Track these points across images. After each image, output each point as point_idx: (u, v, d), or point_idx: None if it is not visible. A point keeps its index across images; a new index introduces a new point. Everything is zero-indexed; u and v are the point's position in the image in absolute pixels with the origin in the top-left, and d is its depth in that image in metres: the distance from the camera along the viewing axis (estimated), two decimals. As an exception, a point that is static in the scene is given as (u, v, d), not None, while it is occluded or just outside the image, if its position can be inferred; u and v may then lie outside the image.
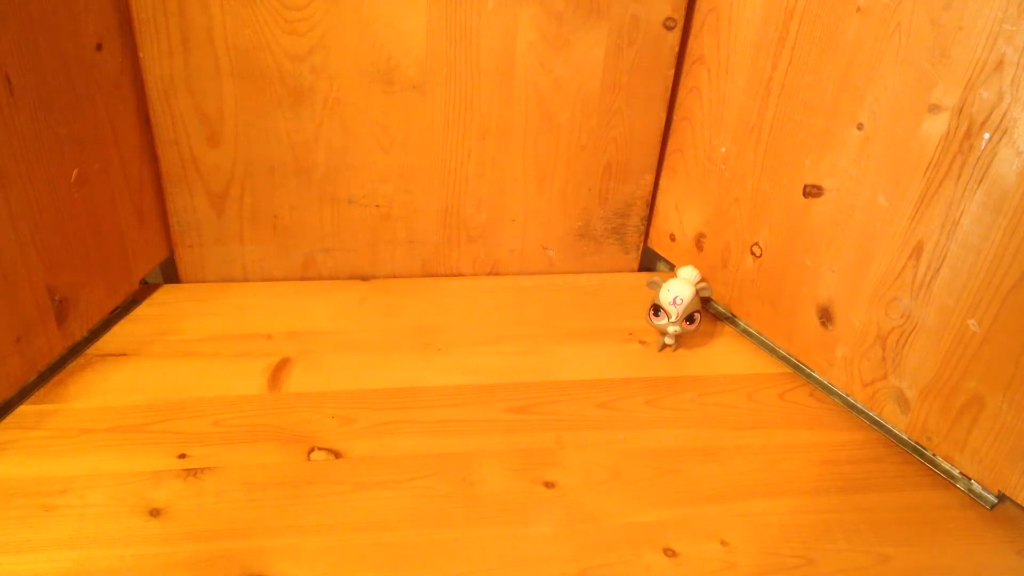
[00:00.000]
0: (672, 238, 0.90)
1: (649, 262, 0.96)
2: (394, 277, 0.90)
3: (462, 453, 0.66)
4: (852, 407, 0.73)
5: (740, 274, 0.82)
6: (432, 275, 0.90)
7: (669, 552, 0.58)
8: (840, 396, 0.74)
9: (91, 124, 0.70)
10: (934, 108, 0.61)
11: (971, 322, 0.61)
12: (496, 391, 0.73)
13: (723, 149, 0.80)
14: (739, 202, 0.79)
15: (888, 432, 0.71)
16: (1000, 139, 0.57)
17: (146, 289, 0.84)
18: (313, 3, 0.73)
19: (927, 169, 0.62)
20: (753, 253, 0.79)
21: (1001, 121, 0.57)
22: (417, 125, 0.81)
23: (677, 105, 0.85)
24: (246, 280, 0.87)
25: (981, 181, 0.59)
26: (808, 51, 0.69)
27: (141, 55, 0.74)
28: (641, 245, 0.93)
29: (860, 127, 0.66)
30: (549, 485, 0.63)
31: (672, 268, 0.93)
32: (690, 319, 0.77)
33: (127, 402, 0.69)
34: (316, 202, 0.83)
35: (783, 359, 0.79)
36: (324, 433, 0.67)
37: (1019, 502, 0.62)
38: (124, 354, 0.75)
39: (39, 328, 0.68)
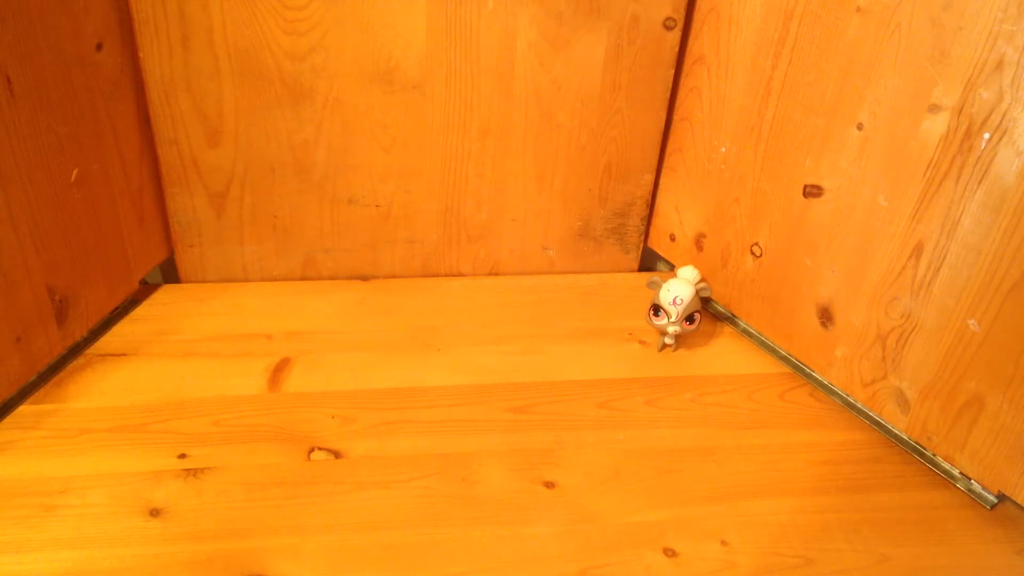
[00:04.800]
0: (672, 238, 0.90)
1: (649, 262, 0.96)
2: (394, 277, 0.90)
3: (462, 453, 0.66)
4: (852, 407, 0.73)
5: (740, 274, 0.82)
6: (432, 275, 0.90)
7: (669, 552, 0.58)
8: (840, 396, 0.74)
9: (91, 124, 0.70)
10: (934, 108, 0.61)
11: (971, 322, 0.61)
12: (496, 391, 0.73)
13: (723, 149, 0.80)
14: (739, 202, 0.79)
15: (888, 432, 0.71)
16: (1000, 139, 0.57)
17: (146, 289, 0.84)
18: (313, 3, 0.73)
19: (927, 169, 0.62)
20: (753, 253, 0.79)
21: (1001, 121, 0.57)
22: (417, 125, 0.81)
23: (677, 105, 0.85)
24: (246, 280, 0.87)
25: (981, 181, 0.59)
26: (808, 51, 0.69)
27: (141, 55, 0.74)
28: (641, 245, 0.93)
29: (860, 127, 0.66)
30: (549, 485, 0.63)
31: (672, 268, 0.93)
32: (690, 319, 0.77)
33: (127, 402, 0.69)
34: (316, 202, 0.84)
35: (783, 359, 0.79)
36: (324, 433, 0.67)
37: (1019, 502, 0.62)
38: (124, 354, 0.75)
39: (39, 328, 0.68)
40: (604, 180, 0.87)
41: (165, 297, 0.83)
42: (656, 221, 0.92)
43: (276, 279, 0.87)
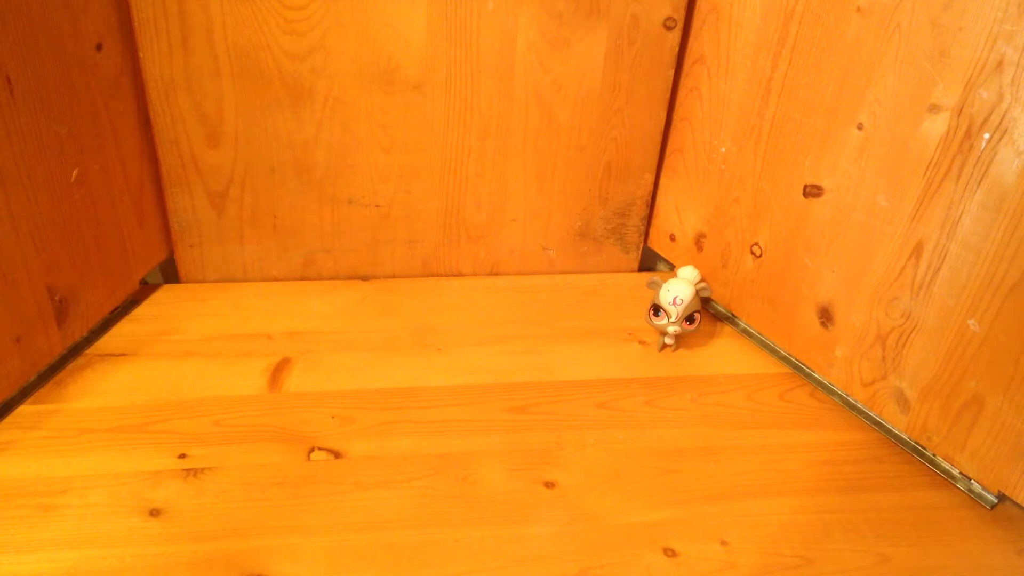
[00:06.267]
0: (672, 238, 0.90)
1: (649, 262, 0.96)
2: (394, 277, 0.90)
3: (462, 453, 0.66)
4: (852, 407, 0.73)
5: (740, 274, 0.82)
6: (432, 275, 0.90)
7: (669, 552, 0.58)
8: (840, 396, 0.74)
9: (91, 124, 0.70)
10: (934, 108, 0.61)
11: (971, 322, 0.61)
12: (496, 391, 0.73)
13: (723, 149, 0.80)
14: (739, 202, 0.79)
15: (888, 432, 0.71)
16: (1000, 139, 0.57)
17: (146, 289, 0.84)
18: (313, 3, 0.73)
19: (927, 169, 0.62)
20: (753, 253, 0.79)
21: (1001, 121, 0.57)
22: (417, 125, 0.81)
23: (677, 105, 0.85)
24: (246, 280, 0.87)
25: (981, 181, 0.59)
26: (808, 51, 0.69)
27: (141, 55, 0.74)
28: (641, 245, 0.93)
29: (860, 127, 0.66)
30: (549, 485, 0.63)
31: (672, 268, 0.93)
32: (690, 319, 0.77)
33: (127, 402, 0.69)
34: (316, 202, 0.84)
35: (783, 359, 0.79)
36: (324, 433, 0.67)
37: (1019, 502, 0.62)
38: (124, 354, 0.75)
39: (39, 328, 0.68)
40: (604, 180, 0.87)
41: (165, 297, 0.83)
42: (656, 221, 0.92)
43: (276, 279, 0.87)
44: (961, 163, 0.60)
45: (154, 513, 0.59)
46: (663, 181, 0.89)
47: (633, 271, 0.95)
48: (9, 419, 0.66)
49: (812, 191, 0.71)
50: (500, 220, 0.88)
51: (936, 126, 0.61)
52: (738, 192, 0.79)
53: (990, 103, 0.57)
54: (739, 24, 0.74)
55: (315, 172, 0.82)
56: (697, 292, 0.76)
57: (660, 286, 0.77)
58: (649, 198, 0.90)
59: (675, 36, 0.80)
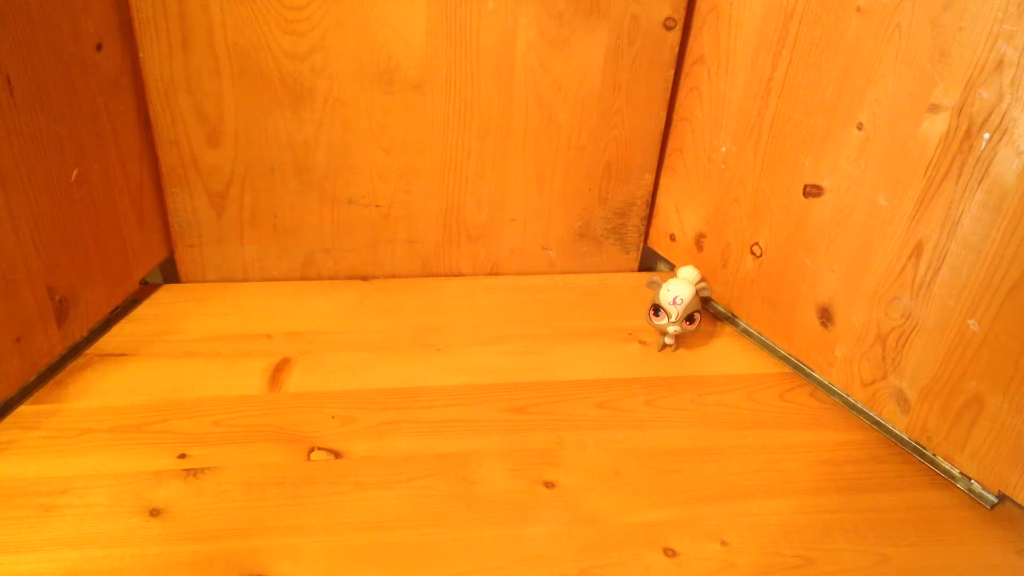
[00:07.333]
0: (672, 238, 0.90)
1: (649, 262, 0.96)
2: (394, 277, 0.90)
3: (462, 453, 0.66)
4: (852, 407, 0.73)
5: (740, 274, 0.82)
6: (432, 275, 0.90)
7: (669, 552, 0.58)
8: (840, 396, 0.74)
9: (91, 124, 0.70)
10: (934, 108, 0.61)
11: (971, 322, 0.61)
12: (496, 391, 0.73)
13: (723, 149, 0.80)
14: (739, 202, 0.79)
15: (888, 432, 0.71)
16: (1000, 139, 0.57)
17: (146, 289, 0.84)
18: (313, 3, 0.73)
19: (927, 169, 0.62)
20: (753, 253, 0.79)
21: (1001, 121, 0.57)
22: (417, 125, 0.81)
23: (677, 105, 0.85)
24: (246, 280, 0.87)
25: (981, 181, 0.59)
26: (808, 51, 0.69)
27: (141, 55, 0.74)
28: (641, 245, 0.93)
29: (860, 127, 0.66)
30: (549, 485, 0.63)
31: (672, 268, 0.93)
32: (690, 319, 0.77)
33: (127, 402, 0.69)
34: (316, 202, 0.84)
35: (783, 359, 0.79)
36: (324, 433, 0.67)
37: (1019, 502, 0.62)
38: (124, 354, 0.75)
39: (39, 328, 0.68)
40: (604, 180, 0.87)
41: (165, 297, 0.83)
42: (656, 221, 0.92)
43: (276, 279, 0.87)
44: (961, 163, 0.60)
45: (154, 513, 0.59)
46: (663, 181, 0.89)
47: (633, 271, 0.95)
48: (9, 419, 0.66)
49: (812, 191, 0.71)
50: (500, 220, 0.88)
51: (936, 126, 0.61)
52: (738, 192, 0.79)
53: (990, 103, 0.57)
54: (739, 24, 0.74)
55: (315, 172, 0.82)
56: (697, 292, 0.76)
57: (660, 286, 0.77)
58: (649, 198, 0.90)
59: (675, 36, 0.80)
